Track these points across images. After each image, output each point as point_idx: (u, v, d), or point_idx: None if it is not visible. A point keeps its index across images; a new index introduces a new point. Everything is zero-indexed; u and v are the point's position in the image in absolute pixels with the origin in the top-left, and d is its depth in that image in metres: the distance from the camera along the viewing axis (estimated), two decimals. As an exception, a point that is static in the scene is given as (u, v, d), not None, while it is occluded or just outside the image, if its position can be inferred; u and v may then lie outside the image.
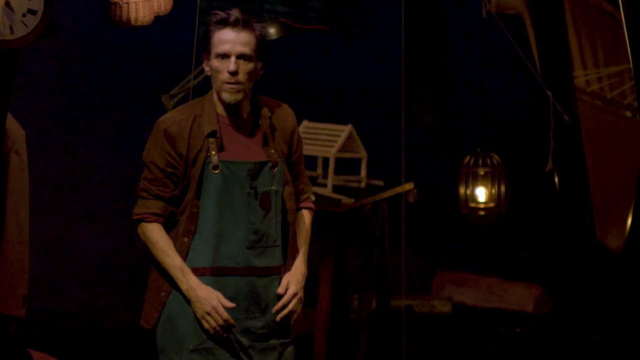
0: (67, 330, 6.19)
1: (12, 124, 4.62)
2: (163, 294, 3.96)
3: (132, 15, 4.74)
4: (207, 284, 3.90)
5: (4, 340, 4.48)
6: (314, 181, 6.03)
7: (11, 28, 4.34)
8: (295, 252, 4.03)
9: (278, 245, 3.98)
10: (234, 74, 3.88)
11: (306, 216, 4.12)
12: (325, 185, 6.00)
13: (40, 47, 4.51)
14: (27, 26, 4.37)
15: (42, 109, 5.69)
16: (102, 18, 4.76)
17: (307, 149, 5.96)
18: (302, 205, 4.12)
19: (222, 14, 3.91)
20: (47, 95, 5.74)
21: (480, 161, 6.51)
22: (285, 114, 4.06)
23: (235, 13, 3.90)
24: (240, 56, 3.89)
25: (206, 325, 3.90)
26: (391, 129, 5.28)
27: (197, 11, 4.82)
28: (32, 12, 4.38)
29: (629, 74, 5.73)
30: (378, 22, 5.86)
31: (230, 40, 3.89)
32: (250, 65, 3.91)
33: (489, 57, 6.38)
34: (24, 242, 4.65)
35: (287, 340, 4.02)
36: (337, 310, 6.22)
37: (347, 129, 6.09)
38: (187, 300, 3.92)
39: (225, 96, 3.91)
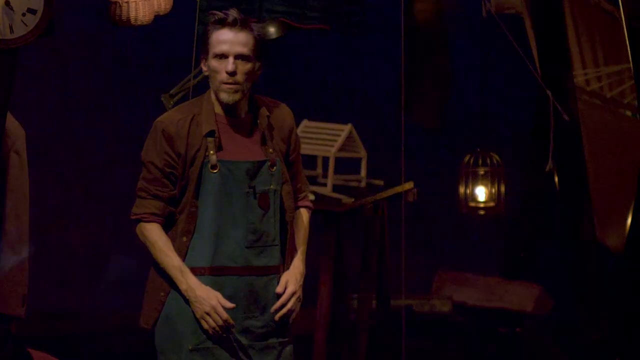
0: (67, 330, 6.19)
1: (12, 124, 4.61)
2: (162, 294, 3.96)
3: (132, 15, 4.74)
4: (206, 283, 3.90)
5: (4, 340, 4.48)
6: (313, 180, 6.02)
7: (11, 27, 4.34)
8: (294, 251, 4.03)
9: (277, 245, 3.98)
10: (232, 74, 3.88)
11: (304, 215, 4.12)
12: (325, 185, 6.00)
13: (41, 47, 4.51)
14: (27, 25, 4.37)
15: (42, 108, 5.70)
16: (102, 18, 4.75)
17: (307, 149, 5.96)
18: (300, 204, 4.12)
19: (220, 14, 3.91)
20: (47, 95, 5.75)
21: (480, 161, 6.52)
22: (283, 113, 4.06)
23: (233, 13, 3.91)
24: (238, 56, 3.89)
25: (205, 326, 3.90)
26: (391, 129, 5.28)
27: (197, 10, 4.82)
28: (32, 11, 4.38)
29: (629, 73, 5.73)
30: (378, 21, 5.85)
31: (229, 40, 3.89)
32: (249, 66, 3.91)
33: (489, 57, 6.38)
34: (23, 242, 4.65)
35: (286, 340, 4.02)
36: (337, 310, 6.22)
37: (347, 128, 6.09)
38: (186, 300, 3.92)
39: (224, 96, 3.91)
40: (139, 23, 4.76)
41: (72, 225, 6.04)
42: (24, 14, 4.36)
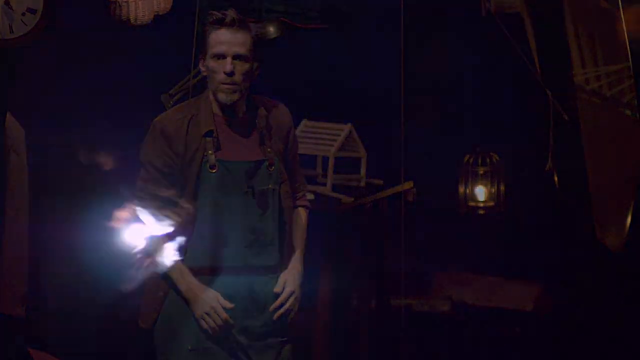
0: (67, 330, 6.18)
1: (12, 124, 4.62)
2: (161, 294, 3.97)
3: (132, 14, 4.75)
4: (205, 283, 3.91)
5: (4, 340, 4.48)
6: (313, 180, 6.02)
7: (10, 27, 4.35)
8: (292, 250, 4.04)
9: (275, 244, 3.99)
10: (230, 74, 3.88)
11: (302, 214, 4.13)
12: (324, 184, 5.99)
13: (40, 46, 4.52)
14: (26, 25, 4.38)
15: (42, 108, 5.69)
16: (102, 17, 4.76)
17: (307, 148, 5.95)
18: (298, 203, 4.13)
19: (217, 14, 3.91)
20: (46, 95, 5.74)
21: (480, 160, 6.50)
22: (281, 112, 4.06)
23: (231, 13, 3.91)
24: (236, 57, 3.89)
25: (205, 326, 3.91)
26: (391, 128, 5.27)
27: (197, 10, 4.82)
28: (31, 11, 4.39)
29: (628, 72, 5.72)
30: (378, 21, 5.85)
31: (227, 40, 3.89)
32: (247, 66, 3.91)
33: (489, 56, 6.37)
34: (23, 242, 4.65)
35: (285, 339, 4.03)
36: (337, 310, 6.21)
37: (346, 128, 6.08)
38: (186, 300, 3.93)
39: (222, 96, 3.91)
40: (138, 22, 4.77)
41: (71, 225, 6.03)
42: (23, 14, 4.37)
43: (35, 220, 4.75)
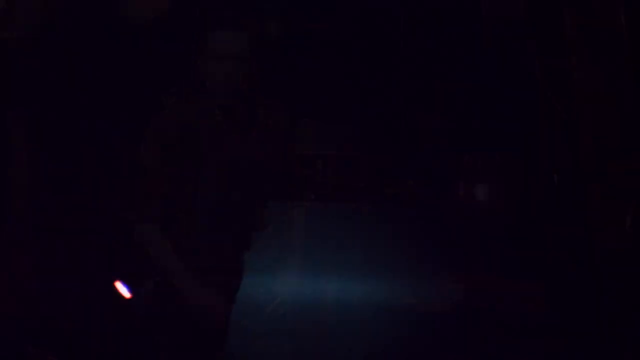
0: (67, 330, 6.19)
1: (13, 122, 4.63)
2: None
3: (131, 14, 4.76)
4: (203, 283, 3.91)
5: (4, 340, 4.49)
6: (313, 180, 6.03)
7: (11, 27, 4.36)
8: (291, 250, 4.05)
9: (274, 244, 4.00)
10: (229, 75, 3.89)
11: (301, 214, 4.14)
12: (324, 184, 6.00)
13: (39, 45, 4.53)
14: (27, 24, 4.39)
15: (42, 107, 5.71)
16: (101, 16, 4.77)
17: (307, 148, 5.96)
18: (296, 203, 4.15)
19: (218, 15, 3.92)
20: (47, 94, 5.76)
21: (480, 160, 6.52)
22: (281, 112, 4.08)
23: (231, 13, 3.92)
24: (235, 57, 3.90)
25: (205, 326, 3.91)
26: (391, 129, 5.29)
27: (197, 10, 4.83)
28: (32, 10, 4.40)
29: (629, 71, 5.74)
30: (378, 21, 5.87)
31: (226, 41, 3.90)
32: (246, 66, 3.92)
33: (489, 56, 6.38)
34: (24, 241, 4.66)
35: (282, 337, 4.04)
36: (337, 310, 6.22)
37: (345, 127, 6.10)
38: (185, 300, 3.94)
39: (221, 97, 3.92)
40: (138, 22, 4.78)
41: (72, 224, 6.05)
42: (24, 14, 4.38)
43: (36, 219, 4.76)
